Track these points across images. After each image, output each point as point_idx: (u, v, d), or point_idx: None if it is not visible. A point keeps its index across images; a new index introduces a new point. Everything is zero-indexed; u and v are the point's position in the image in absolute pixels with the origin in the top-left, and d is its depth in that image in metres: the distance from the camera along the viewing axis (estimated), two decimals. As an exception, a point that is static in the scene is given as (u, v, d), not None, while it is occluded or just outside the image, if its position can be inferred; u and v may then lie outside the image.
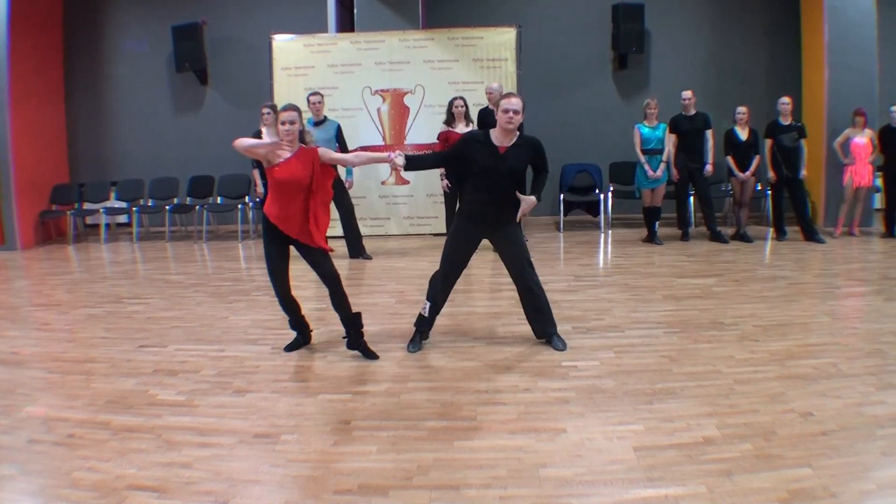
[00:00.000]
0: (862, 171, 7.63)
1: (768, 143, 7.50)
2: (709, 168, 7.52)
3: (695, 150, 7.50)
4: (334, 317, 4.23)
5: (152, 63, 9.66)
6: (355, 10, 8.77)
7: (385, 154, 4.07)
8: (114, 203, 9.27)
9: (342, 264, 6.84)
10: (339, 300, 4.08)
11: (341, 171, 6.94)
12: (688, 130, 7.49)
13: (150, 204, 9.16)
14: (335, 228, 7.08)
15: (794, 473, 2.62)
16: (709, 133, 7.50)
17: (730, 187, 8.09)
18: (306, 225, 3.95)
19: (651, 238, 7.68)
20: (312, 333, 4.40)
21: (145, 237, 9.17)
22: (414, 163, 4.15)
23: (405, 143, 8.44)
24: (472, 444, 2.98)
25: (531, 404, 3.37)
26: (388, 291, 5.78)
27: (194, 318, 5.14)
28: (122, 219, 9.63)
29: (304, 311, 4.30)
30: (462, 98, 7.18)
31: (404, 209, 8.64)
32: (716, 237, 7.62)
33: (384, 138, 8.52)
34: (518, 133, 4.00)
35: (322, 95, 7.13)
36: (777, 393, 3.40)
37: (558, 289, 5.57)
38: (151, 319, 5.12)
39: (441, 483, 2.66)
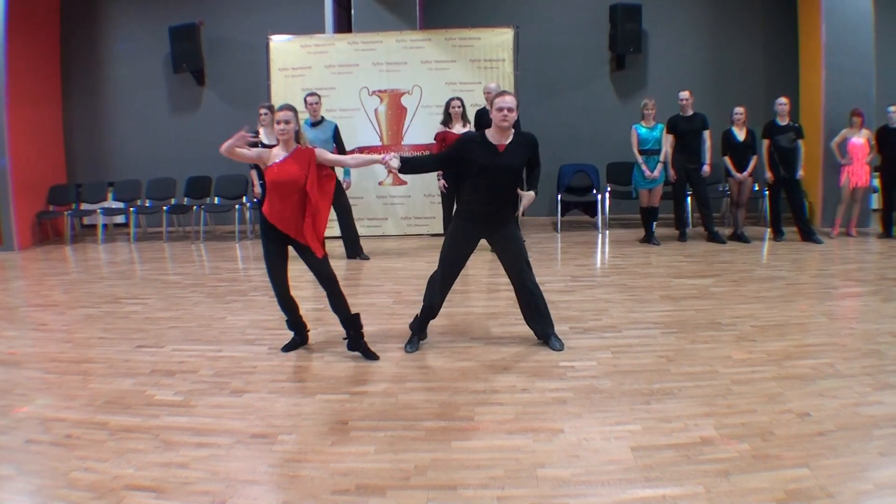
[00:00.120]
0: (859, 172, 7.65)
1: (766, 143, 7.51)
2: (706, 168, 7.53)
3: (692, 150, 7.51)
4: (332, 317, 4.23)
5: (149, 63, 9.66)
6: (353, 11, 8.76)
7: (380, 156, 4.06)
8: (111, 203, 9.26)
9: (339, 265, 6.85)
10: (337, 302, 4.08)
11: (339, 171, 6.92)
12: (685, 131, 7.50)
13: (147, 204, 9.16)
14: (333, 229, 7.09)
15: (791, 473, 2.62)
16: (706, 133, 7.51)
17: (727, 188, 8.10)
18: (303, 224, 3.94)
19: (648, 238, 7.69)
20: (310, 334, 4.40)
21: (142, 238, 9.15)
22: (410, 165, 4.11)
23: (402, 143, 8.45)
24: (470, 445, 2.98)
25: (528, 404, 3.37)
26: (386, 292, 5.78)
27: (192, 318, 5.13)
28: (120, 219, 9.63)
29: (302, 312, 4.30)
30: (459, 98, 7.17)
31: (402, 209, 8.65)
32: (713, 237, 7.63)
33: (381, 139, 8.52)
34: (514, 131, 4.00)
35: (319, 96, 7.13)
36: (774, 393, 3.40)
37: (556, 289, 5.58)
38: (149, 320, 5.12)
39: (438, 483, 2.66)
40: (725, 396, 3.38)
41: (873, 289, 5.46)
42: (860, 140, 7.63)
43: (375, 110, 8.51)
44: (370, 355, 4.10)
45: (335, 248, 7.31)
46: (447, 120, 7.13)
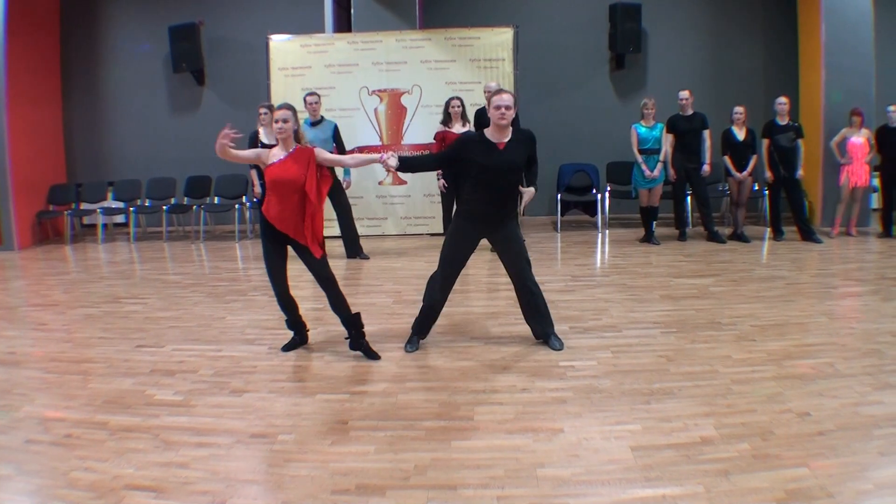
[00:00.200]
0: (859, 171, 7.65)
1: (765, 142, 7.51)
2: (706, 168, 7.53)
3: (692, 150, 7.51)
4: (332, 317, 4.23)
5: (149, 63, 9.65)
6: (352, 11, 8.77)
7: (378, 156, 4.05)
8: (111, 203, 9.26)
9: (339, 264, 6.85)
10: (337, 302, 4.08)
11: (339, 171, 6.94)
12: (685, 130, 7.50)
13: (147, 204, 9.15)
14: (332, 228, 7.09)
15: (791, 473, 2.62)
16: (706, 133, 7.51)
17: (727, 187, 8.09)
18: (302, 225, 3.94)
19: (648, 238, 7.69)
20: (309, 333, 4.40)
21: (142, 237, 9.15)
22: (408, 164, 4.11)
23: (402, 143, 8.45)
24: (470, 444, 2.97)
25: (528, 404, 3.37)
26: (386, 291, 5.78)
27: (191, 318, 5.13)
28: (120, 219, 9.62)
29: (301, 311, 4.30)
30: (459, 98, 7.17)
31: (401, 209, 8.65)
32: (713, 237, 7.63)
33: (381, 138, 8.52)
34: (512, 128, 4.00)
35: (319, 96, 7.13)
36: (774, 393, 3.40)
37: (555, 289, 5.58)
38: (149, 319, 5.12)
39: (438, 483, 2.66)
40: (725, 396, 3.38)
41: (873, 288, 5.46)
42: (860, 139, 7.63)
43: (375, 110, 8.51)
44: (372, 355, 4.10)
45: (335, 248, 7.31)
46: (447, 119, 7.13)
